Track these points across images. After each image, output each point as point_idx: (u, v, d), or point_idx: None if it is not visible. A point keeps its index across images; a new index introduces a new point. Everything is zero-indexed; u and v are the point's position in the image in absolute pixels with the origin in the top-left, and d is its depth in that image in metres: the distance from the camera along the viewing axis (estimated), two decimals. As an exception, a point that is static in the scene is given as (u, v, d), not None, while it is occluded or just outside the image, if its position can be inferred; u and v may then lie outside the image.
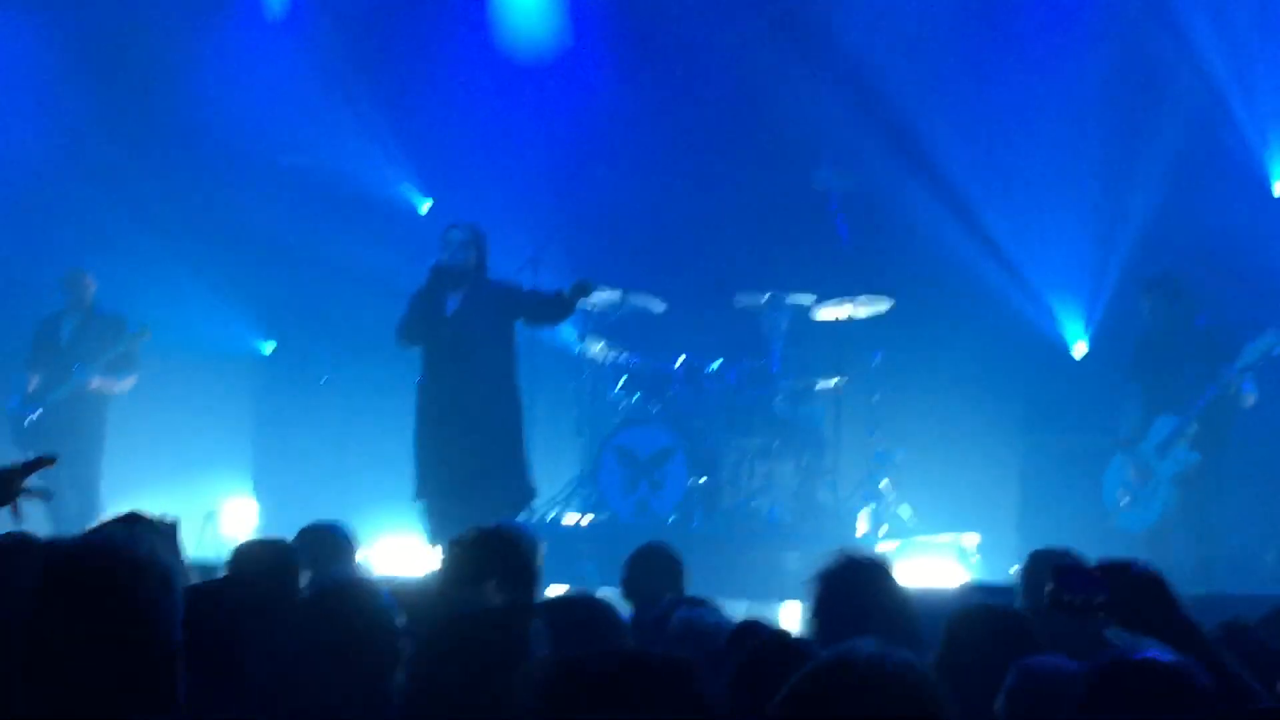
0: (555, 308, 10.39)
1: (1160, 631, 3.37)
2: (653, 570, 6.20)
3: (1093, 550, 4.60)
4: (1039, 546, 5.75)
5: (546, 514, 12.01)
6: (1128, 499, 10.83)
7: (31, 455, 10.33)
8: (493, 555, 6.00)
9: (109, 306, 12.31)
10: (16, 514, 4.31)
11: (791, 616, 9.30)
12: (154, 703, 2.76)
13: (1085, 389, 12.23)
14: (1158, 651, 3.29)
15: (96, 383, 11.92)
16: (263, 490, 14.02)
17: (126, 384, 12.07)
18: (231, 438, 13.70)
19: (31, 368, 12.08)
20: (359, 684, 3.73)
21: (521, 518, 10.82)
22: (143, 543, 2.87)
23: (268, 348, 13.45)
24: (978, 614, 4.25)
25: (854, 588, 4.45)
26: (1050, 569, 3.43)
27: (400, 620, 3.89)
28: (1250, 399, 10.49)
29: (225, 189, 14.12)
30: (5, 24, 13.78)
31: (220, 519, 13.28)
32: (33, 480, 4.37)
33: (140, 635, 2.76)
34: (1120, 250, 12.53)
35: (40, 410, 11.89)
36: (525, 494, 10.33)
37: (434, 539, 9.85)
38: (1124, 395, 11.17)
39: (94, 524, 10.95)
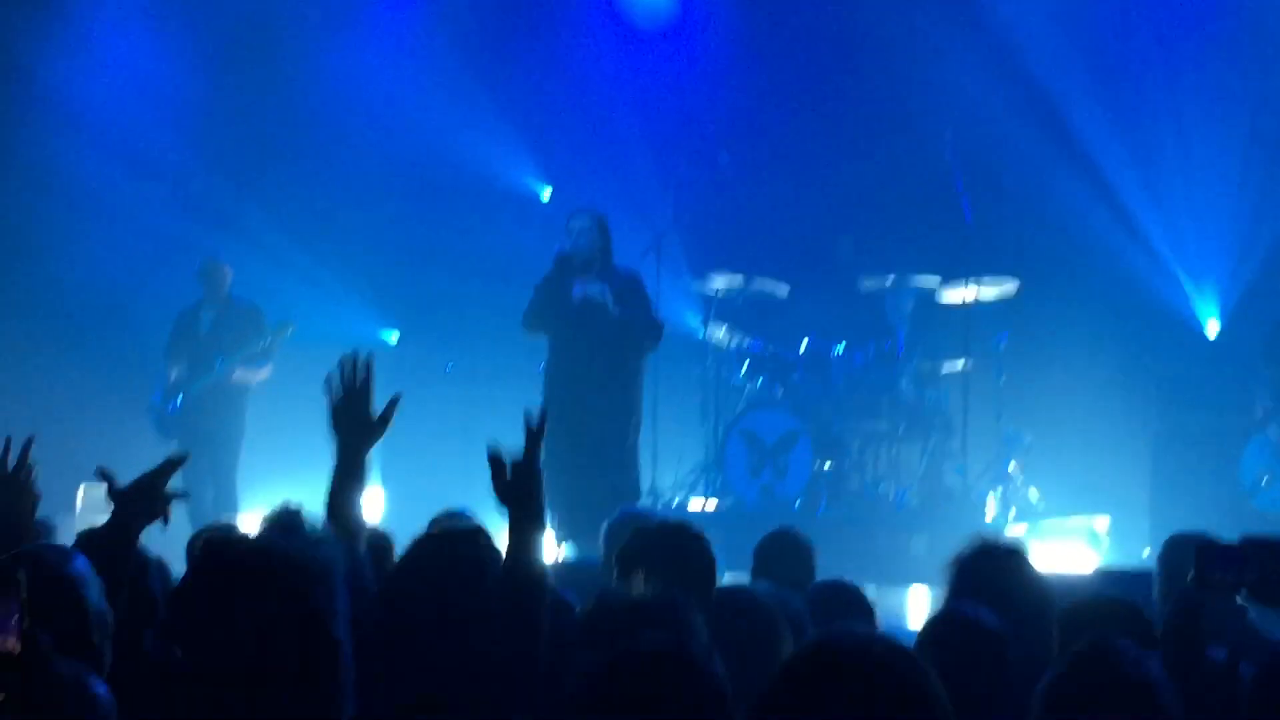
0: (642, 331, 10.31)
1: None
2: (784, 556, 6.16)
3: (1230, 533, 4.50)
4: (1171, 529, 5.65)
5: (672, 499, 12.01)
6: (1267, 479, 10.62)
7: (174, 447, 10.66)
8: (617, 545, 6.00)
9: (246, 297, 12.41)
10: (166, 520, 4.33)
11: (919, 600, 9.25)
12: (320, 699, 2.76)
13: (1219, 369, 12.02)
14: None
15: (239, 374, 12.03)
16: (389, 479, 14.13)
17: (263, 374, 12.18)
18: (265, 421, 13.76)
19: (171, 359, 12.20)
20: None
21: (647, 502, 10.85)
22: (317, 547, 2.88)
23: (393, 337, 13.54)
24: (1095, 607, 4.17)
25: (990, 574, 4.38)
26: (1193, 549, 3.32)
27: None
28: None
29: (350, 180, 14.24)
30: (141, 16, 13.96)
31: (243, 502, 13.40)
32: (172, 482, 4.39)
33: (310, 635, 2.76)
34: (1260, 228, 12.27)
35: (181, 400, 12.02)
36: (630, 491, 10.26)
37: (556, 532, 9.90)
38: (1260, 378, 10.96)
39: (232, 515, 11.23)
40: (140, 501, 4.26)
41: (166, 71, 14.01)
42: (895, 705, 2.24)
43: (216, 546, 2.84)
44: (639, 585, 4.52)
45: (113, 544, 4.14)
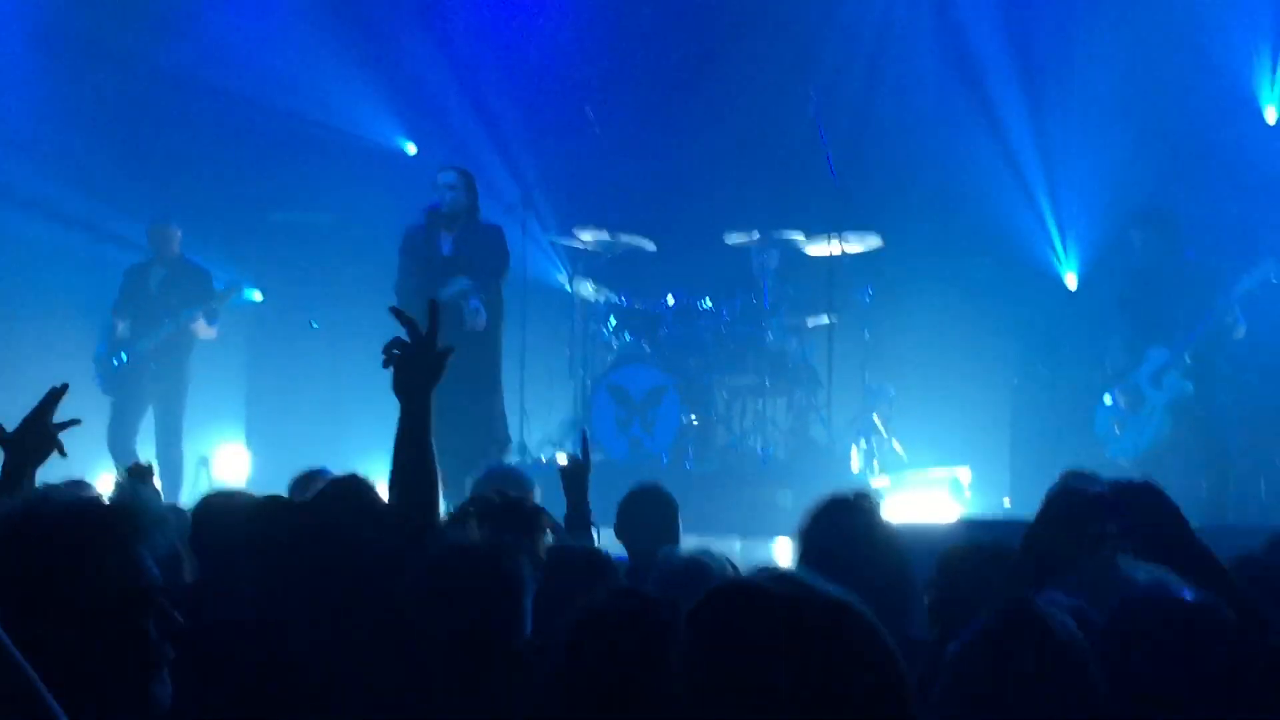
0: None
1: (1176, 561, 3.26)
2: (647, 511, 6.19)
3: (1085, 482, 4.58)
4: (1030, 480, 5.74)
5: (539, 455, 12.02)
6: (1118, 429, 10.84)
7: (113, 400, 10.67)
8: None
9: (195, 259, 12.45)
10: (62, 452, 4.33)
11: (785, 553, 9.34)
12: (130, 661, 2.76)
13: (1078, 323, 12.22)
14: (1179, 587, 3.22)
15: (200, 325, 12.11)
16: (255, 437, 14.03)
17: (210, 333, 12.25)
18: (223, 385, 13.67)
19: (118, 315, 12.22)
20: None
21: (515, 459, 10.86)
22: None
23: (256, 295, 13.40)
24: (969, 553, 4.24)
25: (838, 528, 4.45)
26: (1093, 501, 3.32)
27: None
28: (1240, 330, 10.48)
29: (212, 137, 14.04)
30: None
31: (213, 465, 13.31)
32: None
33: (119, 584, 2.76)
34: (1111, 181, 12.48)
35: (126, 357, 12.03)
36: (500, 441, 10.31)
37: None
38: (1112, 328, 11.16)
39: (177, 470, 11.39)
40: (29, 440, 4.26)
41: (20, 27, 13.70)
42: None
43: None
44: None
45: (6, 489, 4.11)
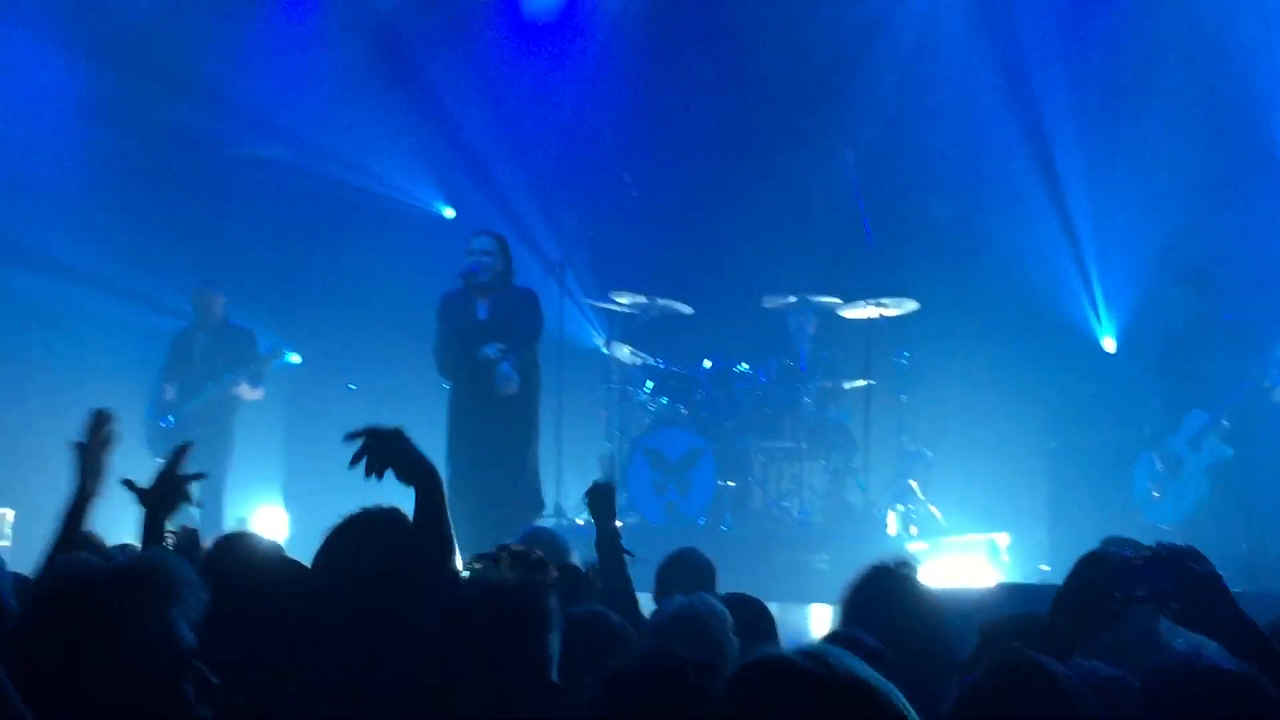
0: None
1: (1217, 630, 3.22)
2: (685, 575, 6.18)
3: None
4: (1069, 545, 5.71)
5: (575, 518, 12.01)
6: (1158, 493, 10.78)
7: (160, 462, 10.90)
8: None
9: (240, 322, 12.64)
10: (191, 501, 4.91)
11: (821, 618, 9.30)
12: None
13: (1115, 386, 12.17)
14: (1219, 657, 3.18)
15: (244, 388, 12.33)
16: (292, 499, 14.06)
17: (254, 395, 12.44)
18: (261, 448, 13.73)
19: (166, 379, 12.44)
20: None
21: (550, 522, 10.85)
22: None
23: (294, 358, 13.48)
24: (1012, 623, 4.22)
25: (881, 596, 4.45)
26: (1106, 561, 3.29)
27: None
28: (1277, 393, 10.43)
29: (250, 201, 14.15)
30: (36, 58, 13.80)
31: (251, 527, 13.33)
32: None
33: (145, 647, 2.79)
34: (1150, 246, 12.46)
35: (175, 420, 12.24)
36: (534, 505, 10.32)
37: (460, 546, 9.92)
38: (1150, 391, 11.12)
39: (219, 531, 11.60)
40: (161, 494, 4.73)
41: (65, 101, 13.84)
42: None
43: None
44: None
45: (145, 539, 4.59)
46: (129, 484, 4.81)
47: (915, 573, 4.63)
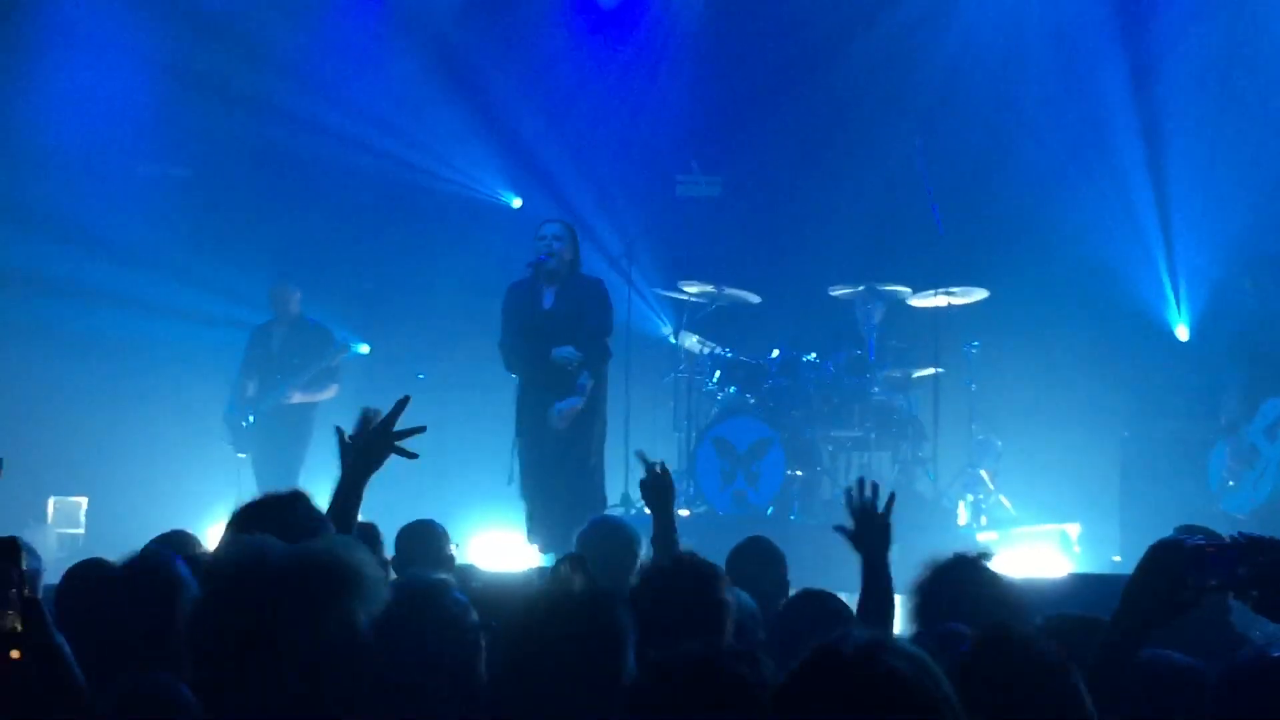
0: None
1: None
2: (756, 564, 6.17)
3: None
4: (1142, 535, 5.64)
5: (645, 507, 11.99)
6: (1233, 482, 10.68)
7: (245, 460, 11.06)
8: (590, 553, 6.05)
9: (315, 318, 12.78)
10: (412, 456, 4.72)
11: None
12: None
13: (1188, 375, 12.06)
14: None
15: (297, 397, 12.43)
16: (408, 454, 14.10)
17: (329, 393, 12.56)
18: (333, 437, 13.80)
19: (245, 375, 12.61)
20: (443, 681, 3.74)
21: (619, 511, 10.86)
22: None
23: (363, 348, 13.55)
24: (1073, 624, 4.17)
25: (961, 585, 4.40)
26: (1179, 550, 3.25)
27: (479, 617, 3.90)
28: None
29: (318, 192, 14.23)
30: (102, 50, 13.91)
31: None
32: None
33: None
34: (1225, 232, 12.34)
35: (255, 416, 12.43)
36: (596, 503, 10.24)
37: (529, 536, 9.97)
38: (1226, 379, 11.01)
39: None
40: (375, 446, 4.62)
41: (131, 98, 13.96)
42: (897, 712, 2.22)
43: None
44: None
45: (342, 496, 4.52)
46: (339, 431, 4.71)
47: (992, 564, 4.59)
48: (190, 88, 13.79)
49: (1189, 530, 4.94)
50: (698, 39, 14.20)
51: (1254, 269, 10.85)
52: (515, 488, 10.32)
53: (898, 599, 4.80)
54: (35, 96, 13.73)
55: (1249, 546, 3.16)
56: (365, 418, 4.75)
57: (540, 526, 10.00)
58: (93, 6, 13.69)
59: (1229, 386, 10.90)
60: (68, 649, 3.00)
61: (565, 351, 10.07)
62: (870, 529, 5.34)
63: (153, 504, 12.14)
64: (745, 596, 5.04)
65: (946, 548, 4.90)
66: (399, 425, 4.69)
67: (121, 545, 4.36)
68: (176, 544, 4.87)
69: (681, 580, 4.53)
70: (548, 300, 10.22)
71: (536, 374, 10.25)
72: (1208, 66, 12.70)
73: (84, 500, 13.16)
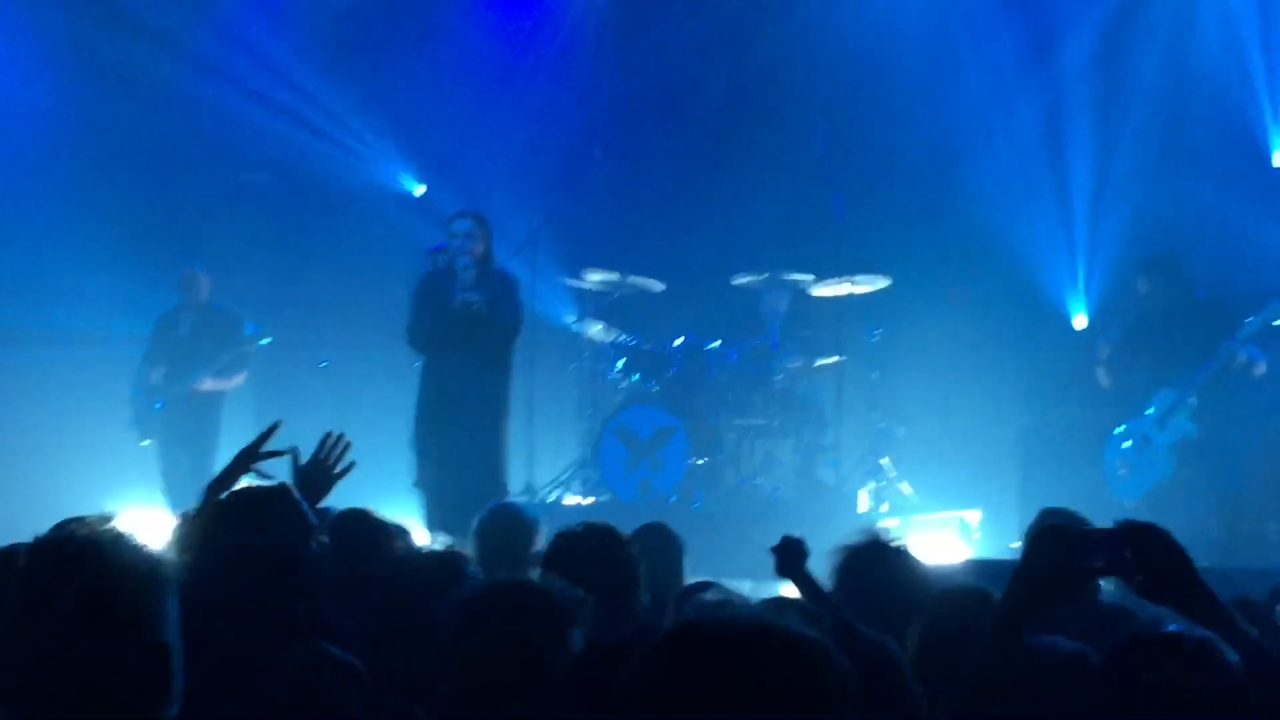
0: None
1: (1180, 602, 3.21)
2: (652, 550, 6.16)
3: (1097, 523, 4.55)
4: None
5: (548, 496, 12.00)
6: (1124, 470, 10.84)
7: (153, 446, 10.92)
8: (488, 539, 6.03)
9: (225, 304, 12.65)
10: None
11: (792, 594, 9.29)
12: (149, 695, 2.77)
13: (1086, 363, 12.19)
14: (1182, 625, 3.20)
15: (208, 384, 12.36)
16: (265, 476, 13.98)
17: (237, 381, 12.50)
18: (233, 426, 13.69)
19: (151, 362, 12.45)
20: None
21: (523, 499, 10.83)
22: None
23: (265, 339, 13.43)
24: (956, 596, 4.21)
25: (875, 566, 4.43)
26: (1065, 534, 3.30)
27: None
28: (1261, 368, 10.47)
29: (218, 179, 14.09)
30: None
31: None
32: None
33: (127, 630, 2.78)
34: (1119, 219, 12.50)
35: (163, 402, 12.26)
36: (497, 488, 10.21)
37: (429, 526, 9.89)
38: (1125, 369, 11.15)
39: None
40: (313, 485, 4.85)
41: (27, 80, 13.77)
42: (771, 690, 2.12)
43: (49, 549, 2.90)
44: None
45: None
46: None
47: (906, 548, 4.62)
48: (88, 69, 13.61)
49: (1055, 514, 5.02)
50: (604, 24, 14.19)
51: (1145, 268, 11.03)
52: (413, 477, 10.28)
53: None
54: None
55: (1131, 531, 3.21)
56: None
57: (440, 517, 9.96)
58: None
59: (1132, 376, 11.04)
60: None
61: (471, 296, 10.03)
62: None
63: (53, 489, 11.95)
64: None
65: (848, 534, 4.93)
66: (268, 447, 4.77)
67: (21, 532, 4.28)
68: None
69: (590, 540, 4.61)
70: (467, 296, 10.16)
71: (442, 363, 10.22)
72: (1111, 51, 12.84)
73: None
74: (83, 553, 2.82)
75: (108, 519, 3.35)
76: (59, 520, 3.86)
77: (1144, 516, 3.28)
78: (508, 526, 6.30)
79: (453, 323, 10.11)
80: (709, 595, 4.78)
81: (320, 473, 5.01)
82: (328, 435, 4.87)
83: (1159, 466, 10.64)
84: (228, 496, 4.40)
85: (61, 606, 2.74)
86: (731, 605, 4.54)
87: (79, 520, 3.27)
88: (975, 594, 4.10)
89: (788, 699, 2.11)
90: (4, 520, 4.86)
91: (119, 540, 2.87)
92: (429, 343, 10.34)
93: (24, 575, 2.83)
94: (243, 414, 13.98)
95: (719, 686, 2.10)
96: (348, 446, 4.91)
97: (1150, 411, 10.75)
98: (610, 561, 4.57)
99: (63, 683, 2.69)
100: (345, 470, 5.03)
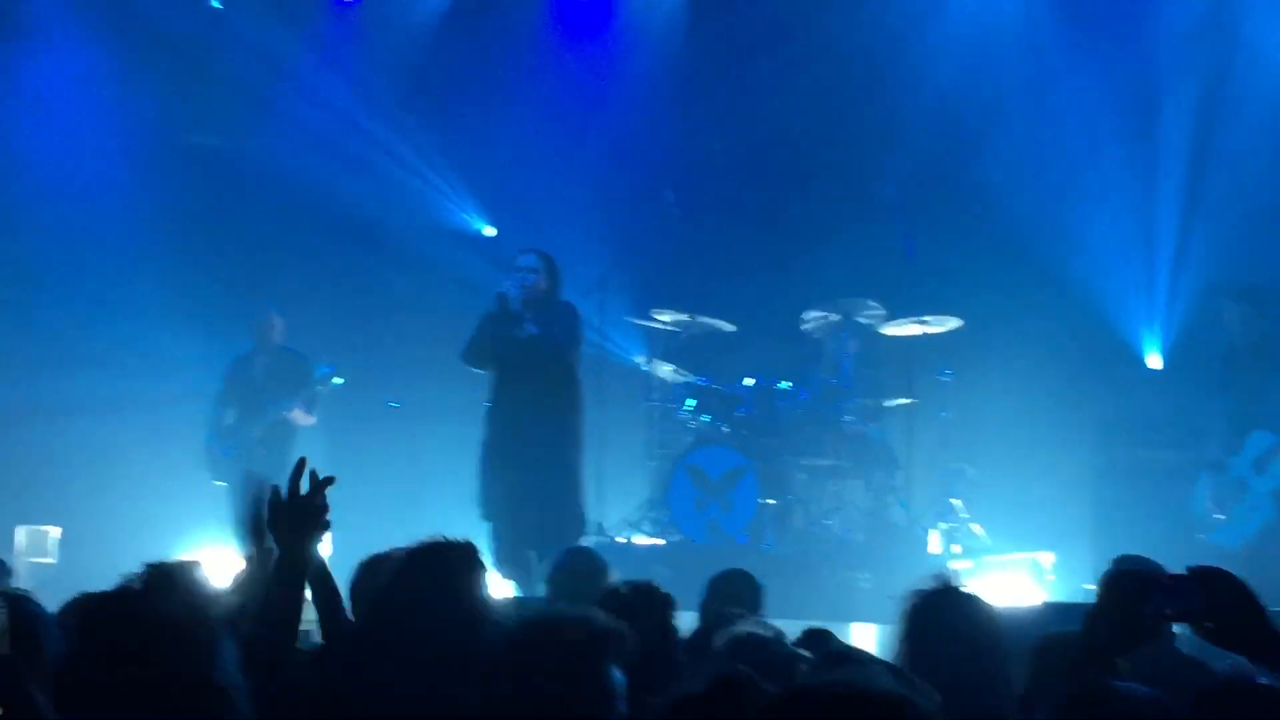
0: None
1: (1251, 648, 3.20)
2: (733, 595, 6.17)
3: (1180, 567, 4.49)
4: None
5: (617, 536, 11.99)
6: (1222, 516, 10.64)
7: (226, 487, 11.12)
8: (561, 584, 6.05)
9: (294, 347, 12.78)
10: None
11: (863, 638, 9.24)
12: None
13: (1161, 403, 12.08)
14: (1261, 674, 3.16)
15: (299, 415, 12.46)
16: (337, 517, 14.03)
17: (310, 420, 12.57)
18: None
19: (224, 404, 12.61)
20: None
21: (592, 541, 10.84)
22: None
23: (337, 379, 13.51)
24: (1061, 642, 4.18)
25: (945, 611, 4.39)
26: (1137, 579, 3.28)
27: None
28: None
29: (291, 221, 14.19)
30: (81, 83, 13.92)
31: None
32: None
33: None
34: (1203, 253, 12.37)
35: (236, 445, 12.38)
36: (578, 522, 10.31)
37: (497, 563, 9.90)
38: (1212, 410, 11.00)
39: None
40: (293, 523, 4.65)
41: (103, 122, 13.94)
42: None
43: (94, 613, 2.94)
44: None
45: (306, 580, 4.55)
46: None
47: (978, 592, 4.58)
48: (159, 115, 13.78)
49: (1129, 561, 4.97)
50: (674, 66, 14.21)
51: (1235, 296, 10.86)
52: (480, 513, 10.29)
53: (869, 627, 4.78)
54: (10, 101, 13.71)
55: (1203, 577, 3.19)
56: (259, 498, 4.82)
57: (510, 551, 9.98)
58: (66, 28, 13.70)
59: (1214, 418, 10.88)
60: (41, 700, 3.00)
61: (527, 329, 10.08)
62: None
63: (127, 532, 12.06)
64: None
65: (920, 576, 4.88)
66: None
67: (95, 575, 4.33)
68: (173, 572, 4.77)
69: (637, 607, 4.59)
70: (525, 328, 10.22)
71: (507, 396, 10.25)
72: (1198, 87, 12.72)
73: (56, 530, 13.04)
74: (136, 603, 2.86)
75: (187, 565, 3.41)
76: (140, 564, 3.92)
77: (1246, 565, 3.26)
78: (582, 572, 6.34)
79: (510, 354, 10.15)
80: (741, 626, 4.77)
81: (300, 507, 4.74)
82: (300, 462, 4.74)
83: (1261, 513, 10.45)
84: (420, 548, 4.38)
85: (118, 652, 2.78)
86: (763, 637, 4.55)
87: (155, 567, 3.32)
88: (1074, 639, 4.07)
89: None
90: (89, 564, 4.89)
91: (176, 586, 2.91)
92: (482, 362, 10.37)
93: (82, 623, 2.87)
94: (315, 455, 14.05)
95: None
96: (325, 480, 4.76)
97: (1245, 455, 10.58)
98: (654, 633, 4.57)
99: None
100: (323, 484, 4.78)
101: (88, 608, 2.93)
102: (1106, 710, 3.02)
